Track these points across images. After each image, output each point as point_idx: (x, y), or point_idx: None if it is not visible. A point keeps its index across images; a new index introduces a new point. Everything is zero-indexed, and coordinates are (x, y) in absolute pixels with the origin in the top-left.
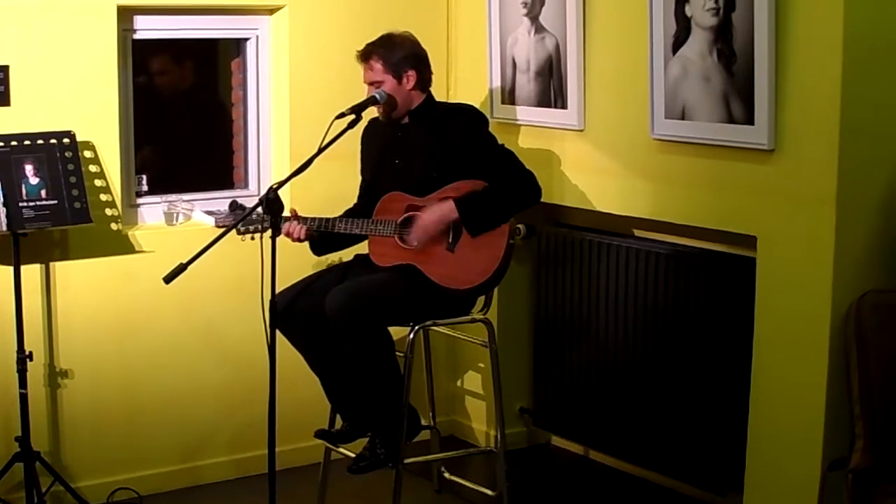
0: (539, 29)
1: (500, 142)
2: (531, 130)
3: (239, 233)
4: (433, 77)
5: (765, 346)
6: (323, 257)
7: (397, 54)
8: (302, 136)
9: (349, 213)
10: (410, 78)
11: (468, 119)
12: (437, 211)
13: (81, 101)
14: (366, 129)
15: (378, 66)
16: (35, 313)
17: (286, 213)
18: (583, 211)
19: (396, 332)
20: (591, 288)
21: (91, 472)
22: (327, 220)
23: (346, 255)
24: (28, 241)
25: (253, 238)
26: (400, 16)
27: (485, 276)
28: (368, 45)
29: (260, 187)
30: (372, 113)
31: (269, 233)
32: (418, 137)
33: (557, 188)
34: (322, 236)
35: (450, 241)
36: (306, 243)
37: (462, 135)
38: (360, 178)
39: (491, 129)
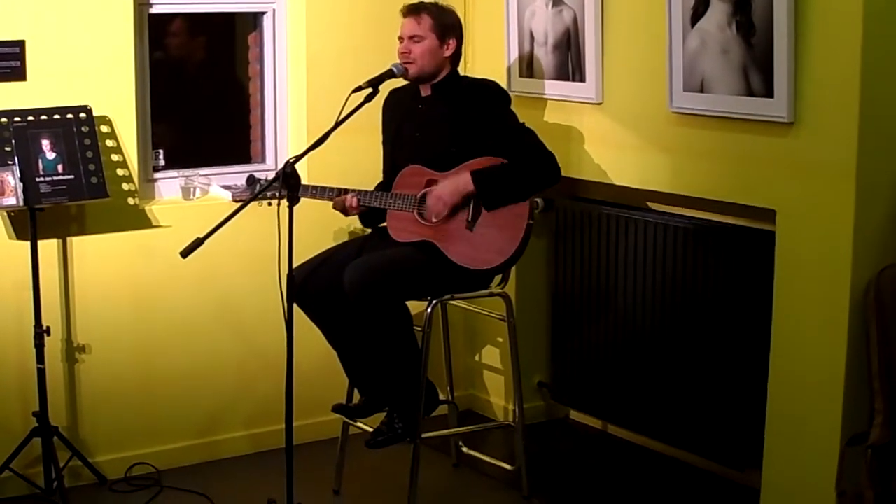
0: (557, 2)
1: (521, 120)
2: (549, 104)
3: (257, 199)
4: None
5: (784, 320)
6: (338, 233)
7: (449, 19)
8: (319, 110)
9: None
10: (451, 46)
11: (491, 95)
12: (454, 182)
13: (98, 75)
14: (386, 101)
15: (427, 21)
16: (52, 288)
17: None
18: (600, 184)
19: (414, 306)
20: (610, 262)
21: (109, 447)
22: (344, 191)
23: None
24: (45, 216)
25: (270, 204)
26: None
27: (503, 256)
28: (420, 2)
29: (277, 161)
30: (392, 84)
31: (286, 205)
32: (440, 110)
33: (575, 161)
34: (371, 209)
35: (469, 219)
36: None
37: (483, 110)
38: (379, 151)
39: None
